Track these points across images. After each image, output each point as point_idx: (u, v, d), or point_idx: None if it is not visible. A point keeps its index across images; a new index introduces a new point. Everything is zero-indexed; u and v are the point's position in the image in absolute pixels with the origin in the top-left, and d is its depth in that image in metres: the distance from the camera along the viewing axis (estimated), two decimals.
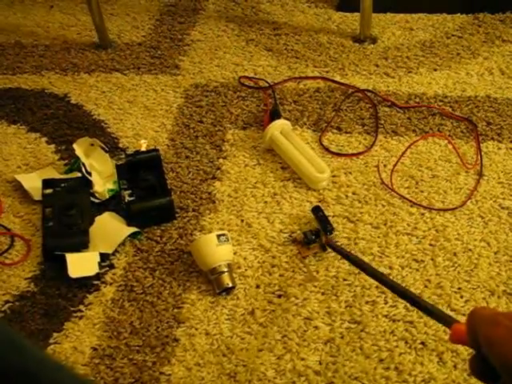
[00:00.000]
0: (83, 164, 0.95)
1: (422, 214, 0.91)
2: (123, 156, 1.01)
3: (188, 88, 1.20)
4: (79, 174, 0.96)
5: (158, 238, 0.89)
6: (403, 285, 0.80)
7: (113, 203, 0.95)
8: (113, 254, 0.87)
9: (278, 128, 1.02)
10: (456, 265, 0.83)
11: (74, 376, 0.29)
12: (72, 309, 0.81)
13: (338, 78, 1.19)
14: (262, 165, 1.01)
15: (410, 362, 0.72)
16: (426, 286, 0.80)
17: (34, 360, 0.28)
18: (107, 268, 0.86)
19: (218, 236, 0.82)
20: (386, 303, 0.79)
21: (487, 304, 0.78)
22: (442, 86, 1.16)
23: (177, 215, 0.93)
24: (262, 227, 0.90)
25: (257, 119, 1.10)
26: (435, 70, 1.21)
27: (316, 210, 0.89)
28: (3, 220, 0.94)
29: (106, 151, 0.99)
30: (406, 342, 0.74)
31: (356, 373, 0.71)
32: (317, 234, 0.86)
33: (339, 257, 0.84)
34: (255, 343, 0.75)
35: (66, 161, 1.03)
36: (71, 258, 0.84)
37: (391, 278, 0.81)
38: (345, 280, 0.82)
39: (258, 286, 0.82)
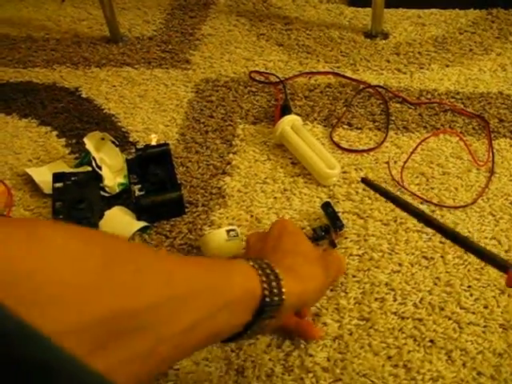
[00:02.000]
0: (93, 158, 0.95)
1: (433, 211, 0.90)
2: (133, 150, 1.01)
3: (199, 83, 1.20)
4: (89, 168, 0.96)
5: (168, 233, 0.89)
6: (412, 282, 0.80)
7: (123, 197, 0.95)
8: None
9: (289, 123, 1.02)
10: (466, 263, 0.83)
11: (88, 370, 0.29)
12: None
13: (349, 74, 1.19)
14: (272, 160, 1.00)
15: (419, 360, 0.72)
16: (435, 284, 0.80)
17: (53, 353, 0.28)
18: None
19: (228, 231, 0.82)
20: (395, 300, 0.78)
21: (497, 303, 0.77)
22: (454, 82, 1.16)
23: (186, 210, 0.93)
24: (272, 223, 0.90)
25: (267, 114, 1.10)
26: (447, 66, 1.20)
27: (326, 206, 0.88)
28: (14, 213, 0.94)
29: (117, 145, 1.00)
30: (415, 340, 0.74)
31: (364, 370, 0.71)
32: (326, 231, 0.85)
33: (348, 253, 0.84)
34: (263, 339, 0.75)
35: (77, 155, 1.04)
36: None
37: (401, 274, 0.81)
38: (354, 277, 0.82)
39: None
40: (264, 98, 1.14)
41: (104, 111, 1.14)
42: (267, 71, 1.21)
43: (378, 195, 0.93)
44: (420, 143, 1.02)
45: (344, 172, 0.97)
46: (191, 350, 0.52)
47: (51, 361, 0.27)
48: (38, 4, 1.51)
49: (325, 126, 1.07)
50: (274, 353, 0.73)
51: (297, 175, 0.97)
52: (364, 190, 0.94)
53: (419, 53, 1.24)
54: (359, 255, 0.84)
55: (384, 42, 1.29)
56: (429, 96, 1.12)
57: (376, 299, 0.79)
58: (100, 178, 0.94)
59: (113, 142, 1.00)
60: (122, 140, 1.05)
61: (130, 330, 0.40)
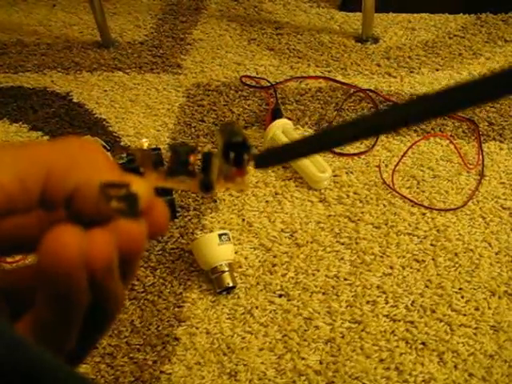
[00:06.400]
0: None
1: (424, 214, 0.90)
2: (125, 155, 1.01)
3: (190, 87, 1.20)
4: None
5: (159, 237, 0.89)
6: (404, 285, 0.80)
7: None
8: None
9: (280, 127, 1.02)
10: (457, 265, 0.83)
11: (74, 375, 0.28)
12: None
13: (339, 78, 1.19)
14: None
15: (411, 362, 0.72)
16: (426, 286, 0.80)
17: (34, 358, 0.27)
18: None
19: (220, 235, 0.82)
20: (386, 303, 0.79)
21: (488, 304, 0.78)
22: (444, 86, 1.16)
23: (178, 214, 0.93)
24: (263, 226, 0.90)
25: (258, 119, 1.10)
26: (437, 70, 1.21)
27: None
28: None
29: (108, 150, 0.99)
30: (407, 342, 0.74)
31: (356, 373, 0.71)
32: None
33: (340, 257, 0.84)
34: (256, 342, 0.75)
35: None
36: None
37: (393, 277, 0.82)
38: (345, 280, 0.82)
39: (258, 286, 0.82)
40: (255, 103, 1.14)
41: (95, 116, 1.14)
42: (258, 76, 1.21)
43: (369, 198, 0.93)
44: (411, 147, 1.02)
45: (335, 175, 0.97)
46: None
47: (31, 366, 0.26)
48: (29, 9, 1.51)
49: (316, 130, 1.07)
50: (267, 356, 0.74)
51: (288, 179, 0.98)
52: (355, 193, 0.94)
53: (409, 57, 1.25)
54: (351, 259, 0.85)
55: (374, 46, 1.29)
56: None
57: (368, 302, 0.79)
58: None
59: (104, 147, 0.99)
60: (113, 144, 1.05)
61: None
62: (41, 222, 0.29)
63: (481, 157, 0.99)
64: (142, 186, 0.30)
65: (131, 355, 0.75)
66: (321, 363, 0.73)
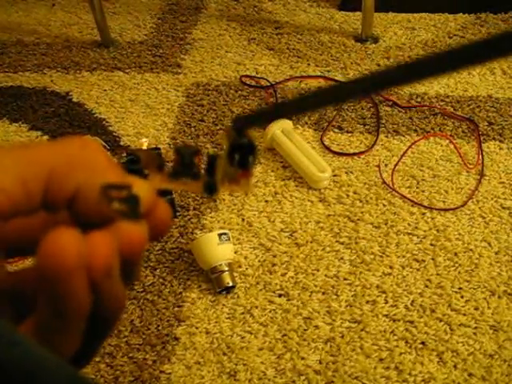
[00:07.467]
0: None
1: (423, 214, 0.90)
2: (124, 154, 1.01)
3: (189, 87, 1.20)
4: None
5: (160, 238, 0.89)
6: (403, 284, 0.80)
7: None
8: None
9: (280, 127, 1.02)
10: (457, 265, 0.83)
11: (74, 374, 0.28)
12: None
13: (339, 78, 1.19)
14: (263, 164, 1.01)
15: (410, 362, 0.72)
16: (426, 286, 0.80)
17: (31, 357, 0.27)
18: None
19: (219, 235, 0.82)
20: (386, 303, 0.79)
21: (487, 304, 0.78)
22: (444, 85, 1.16)
23: (178, 214, 0.93)
24: (263, 226, 0.90)
25: None
26: None
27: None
28: None
29: (108, 150, 0.99)
30: (407, 342, 0.74)
31: (356, 372, 0.71)
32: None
33: (340, 256, 0.84)
34: (255, 342, 0.75)
35: None
36: None
37: (392, 277, 0.82)
38: (345, 279, 0.82)
39: (258, 285, 0.82)
40: (255, 102, 1.14)
41: (95, 115, 1.14)
42: (258, 75, 1.21)
43: (368, 198, 0.93)
44: (410, 146, 1.02)
45: (335, 175, 0.97)
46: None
47: (27, 365, 0.25)
48: (29, 8, 1.51)
49: (315, 130, 1.07)
50: (266, 356, 0.74)
51: (288, 179, 0.98)
52: (355, 193, 0.94)
53: (409, 57, 1.25)
54: (350, 258, 0.85)
55: (374, 45, 1.29)
56: (419, 99, 1.12)
57: (367, 302, 0.79)
58: None
59: (104, 147, 0.99)
60: (113, 144, 1.05)
61: None
62: (44, 224, 0.29)
63: (481, 156, 0.99)
64: (143, 188, 0.30)
65: (131, 355, 0.75)
66: (320, 363, 0.73)
